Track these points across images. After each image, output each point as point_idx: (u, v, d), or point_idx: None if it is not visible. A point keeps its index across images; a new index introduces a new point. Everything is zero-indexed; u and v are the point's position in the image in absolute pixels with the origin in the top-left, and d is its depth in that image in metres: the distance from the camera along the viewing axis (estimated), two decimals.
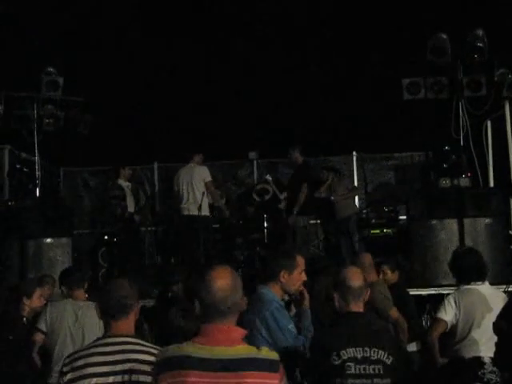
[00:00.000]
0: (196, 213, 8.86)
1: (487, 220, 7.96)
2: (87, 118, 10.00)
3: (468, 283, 4.91)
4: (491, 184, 9.19)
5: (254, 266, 9.57)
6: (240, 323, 2.80)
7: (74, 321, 5.25)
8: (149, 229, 11.19)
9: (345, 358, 3.40)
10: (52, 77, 9.22)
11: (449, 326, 4.86)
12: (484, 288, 4.90)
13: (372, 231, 10.05)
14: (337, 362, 3.40)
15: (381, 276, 6.47)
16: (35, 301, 5.27)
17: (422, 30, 9.38)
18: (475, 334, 4.75)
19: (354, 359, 3.39)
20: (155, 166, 12.04)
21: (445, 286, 7.11)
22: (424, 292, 7.60)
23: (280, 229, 10.12)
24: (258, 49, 11.20)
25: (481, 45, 8.50)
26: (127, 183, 10.13)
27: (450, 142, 9.00)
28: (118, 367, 2.93)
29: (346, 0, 10.93)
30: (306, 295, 4.04)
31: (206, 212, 9.01)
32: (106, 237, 10.19)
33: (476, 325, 4.76)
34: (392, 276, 6.58)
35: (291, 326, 3.81)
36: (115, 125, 10.76)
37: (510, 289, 5.97)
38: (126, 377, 2.93)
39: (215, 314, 2.61)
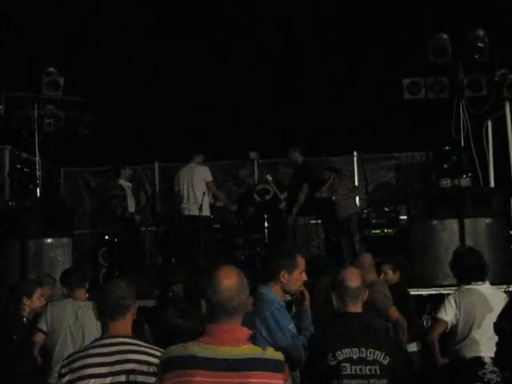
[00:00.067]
0: (197, 213, 8.87)
1: (488, 220, 7.96)
2: (87, 118, 10.01)
3: (468, 283, 4.91)
4: (492, 184, 9.18)
5: (254, 266, 9.57)
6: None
7: (74, 320, 5.26)
8: (149, 229, 11.18)
9: (340, 358, 3.40)
10: (52, 77, 9.22)
11: (449, 326, 4.87)
12: (484, 288, 4.90)
13: (372, 231, 10.04)
14: (332, 363, 3.40)
15: (382, 276, 6.47)
16: (35, 301, 5.27)
17: (422, 30, 9.38)
18: (476, 333, 4.75)
19: (350, 360, 3.40)
20: (156, 165, 12.04)
21: (445, 286, 7.10)
22: (424, 292, 7.59)
23: (280, 229, 10.12)
24: (258, 49, 11.20)
25: (481, 45, 8.50)
26: (128, 183, 10.13)
27: (451, 142, 9.00)
28: (116, 368, 2.94)
29: (346, 0, 10.92)
30: (307, 295, 4.05)
31: (206, 212, 9.02)
32: (106, 237, 10.18)
33: (476, 325, 4.76)
34: (393, 276, 6.58)
35: (291, 326, 3.81)
36: (115, 125, 10.74)
37: (510, 289, 5.97)
38: (124, 377, 2.93)
39: (221, 314, 2.62)
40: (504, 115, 9.08)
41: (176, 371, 2.56)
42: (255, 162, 12.06)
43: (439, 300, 5.92)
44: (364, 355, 3.40)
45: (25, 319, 5.17)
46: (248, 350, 2.61)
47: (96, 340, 3.12)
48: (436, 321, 5.02)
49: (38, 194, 9.19)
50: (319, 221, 10.73)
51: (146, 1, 11.35)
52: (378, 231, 10.04)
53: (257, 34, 11.22)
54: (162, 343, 3.35)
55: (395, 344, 3.95)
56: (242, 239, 10.38)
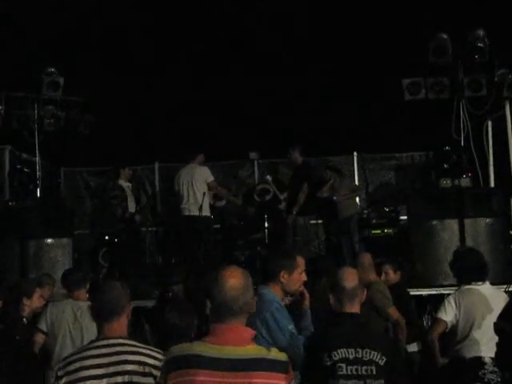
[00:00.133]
0: (197, 213, 8.86)
1: (488, 220, 7.95)
2: (88, 118, 10.01)
3: (469, 283, 4.91)
4: (492, 184, 9.18)
5: (254, 267, 9.57)
6: None
7: (73, 321, 5.27)
8: (149, 229, 11.19)
9: (336, 358, 3.40)
10: (52, 77, 9.22)
11: (449, 326, 4.87)
12: (485, 288, 4.90)
13: (373, 231, 10.05)
14: (328, 363, 3.40)
15: (383, 276, 6.48)
16: (35, 301, 5.26)
17: (422, 30, 9.38)
18: (476, 334, 4.75)
19: (346, 360, 3.39)
20: (156, 166, 12.04)
21: (445, 286, 7.10)
22: (424, 292, 7.59)
23: (280, 229, 10.12)
24: (258, 49, 11.20)
25: (481, 45, 8.50)
26: (128, 183, 10.13)
27: (451, 142, 9.00)
28: (111, 369, 2.95)
29: (346, 0, 10.92)
30: (307, 295, 4.04)
31: (206, 212, 9.01)
32: (106, 237, 10.18)
33: (477, 325, 4.76)
34: (394, 276, 6.58)
35: (291, 327, 3.81)
36: (115, 125, 10.74)
37: (510, 289, 5.97)
38: (120, 378, 2.94)
39: (226, 314, 2.63)
40: (504, 115, 9.08)
41: (180, 371, 2.56)
42: (255, 162, 12.05)
43: (439, 300, 5.91)
44: (360, 355, 3.39)
45: (25, 319, 5.17)
46: (252, 351, 2.62)
47: (92, 342, 3.13)
48: (436, 321, 5.01)
49: (38, 194, 9.18)
50: (319, 221, 10.74)
51: (146, 1, 11.35)
52: (379, 231, 10.04)
53: (257, 34, 11.21)
54: (162, 343, 3.35)
55: (393, 344, 3.95)
56: (243, 239, 10.38)
